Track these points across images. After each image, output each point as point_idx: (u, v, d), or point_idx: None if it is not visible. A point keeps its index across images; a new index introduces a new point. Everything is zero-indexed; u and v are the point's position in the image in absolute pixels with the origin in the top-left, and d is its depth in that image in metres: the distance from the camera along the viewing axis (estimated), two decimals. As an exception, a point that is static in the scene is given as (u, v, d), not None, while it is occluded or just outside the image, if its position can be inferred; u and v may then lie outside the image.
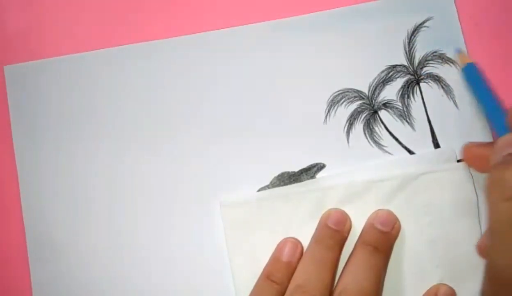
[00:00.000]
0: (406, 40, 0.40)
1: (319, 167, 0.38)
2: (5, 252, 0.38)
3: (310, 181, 0.38)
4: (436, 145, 0.38)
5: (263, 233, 0.37)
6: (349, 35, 0.40)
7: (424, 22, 0.40)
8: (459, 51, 0.39)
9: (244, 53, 0.40)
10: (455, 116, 0.39)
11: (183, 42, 0.40)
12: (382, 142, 0.39)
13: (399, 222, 0.37)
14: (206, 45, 0.40)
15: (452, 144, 0.38)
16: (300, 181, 0.38)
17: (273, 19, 0.40)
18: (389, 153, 0.38)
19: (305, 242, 0.37)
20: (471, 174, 0.37)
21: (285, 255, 0.36)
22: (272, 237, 0.37)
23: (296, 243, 0.36)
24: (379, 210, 0.37)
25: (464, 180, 0.37)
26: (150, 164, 0.38)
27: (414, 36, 0.40)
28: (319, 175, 0.38)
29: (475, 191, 0.37)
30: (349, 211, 0.37)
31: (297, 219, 0.37)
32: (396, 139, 0.39)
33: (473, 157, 0.36)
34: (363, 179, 0.37)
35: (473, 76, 0.38)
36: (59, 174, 0.38)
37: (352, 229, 0.37)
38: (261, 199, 0.38)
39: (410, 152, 0.38)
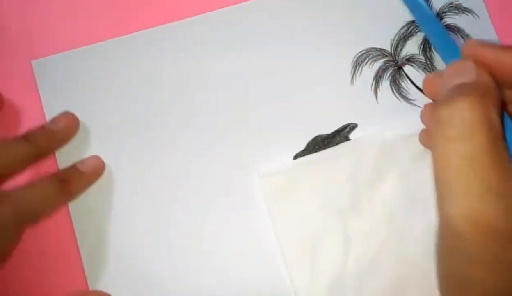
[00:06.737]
0: (422, -6, 0.40)
1: (352, 127, 0.39)
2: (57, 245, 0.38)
3: (344, 143, 0.39)
4: (463, 93, 0.39)
5: (302, 198, 0.38)
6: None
7: (437, -26, 0.41)
8: None
9: (267, 21, 0.40)
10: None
11: (205, 20, 0.40)
12: (409, 97, 0.39)
13: None
14: (225, 19, 0.40)
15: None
16: (334, 142, 0.39)
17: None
18: (418, 106, 0.39)
19: (344, 204, 0.37)
20: None
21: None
22: (312, 201, 0.38)
23: None
24: None
25: None
26: (186, 144, 0.39)
27: (429, -10, 0.41)
28: (352, 135, 0.39)
29: None
30: (384, 166, 0.38)
31: (335, 182, 0.38)
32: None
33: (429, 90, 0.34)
34: (395, 135, 0.38)
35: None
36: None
37: (387, 184, 0.38)
38: (298, 165, 0.38)
39: (438, 103, 0.39)
